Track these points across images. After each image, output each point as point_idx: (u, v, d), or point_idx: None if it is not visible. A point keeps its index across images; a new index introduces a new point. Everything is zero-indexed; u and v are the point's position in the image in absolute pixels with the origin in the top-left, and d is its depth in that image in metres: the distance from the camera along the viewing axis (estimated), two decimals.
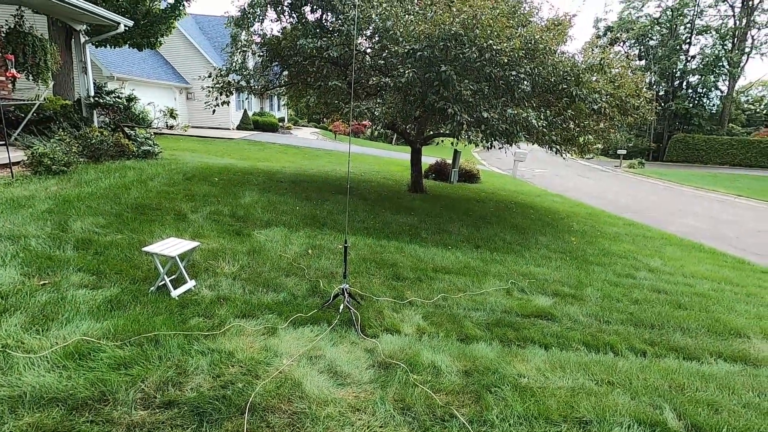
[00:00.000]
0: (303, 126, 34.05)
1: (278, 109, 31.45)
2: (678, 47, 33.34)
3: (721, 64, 32.04)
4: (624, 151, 27.43)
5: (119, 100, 9.70)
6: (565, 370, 2.94)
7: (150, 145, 9.77)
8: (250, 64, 8.05)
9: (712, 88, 33.69)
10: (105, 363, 2.28)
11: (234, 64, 7.81)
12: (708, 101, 34.10)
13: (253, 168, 10.53)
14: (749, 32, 31.89)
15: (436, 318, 3.53)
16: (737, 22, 32.01)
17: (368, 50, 6.95)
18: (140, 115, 10.50)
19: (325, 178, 10.98)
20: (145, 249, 3.36)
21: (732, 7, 32.55)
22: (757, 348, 3.92)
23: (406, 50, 5.36)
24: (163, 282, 3.37)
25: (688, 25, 34.22)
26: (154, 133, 11.02)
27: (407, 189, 10.82)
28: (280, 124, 27.52)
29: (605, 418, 2.41)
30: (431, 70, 5.25)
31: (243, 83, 7.75)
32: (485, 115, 5.30)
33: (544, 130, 5.53)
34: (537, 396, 2.54)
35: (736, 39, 32.15)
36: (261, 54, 8.05)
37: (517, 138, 5.64)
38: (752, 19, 31.29)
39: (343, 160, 17.27)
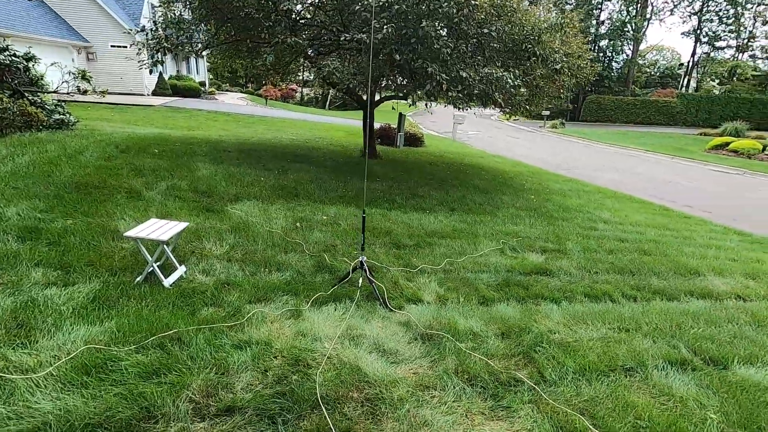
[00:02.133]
0: (227, 91, 31.46)
1: (197, 73, 28.60)
2: (590, 12, 35.50)
3: (626, 29, 34.82)
4: (548, 112, 29.16)
5: (16, 60, 8.07)
6: (586, 323, 3.08)
7: (62, 113, 8.36)
8: (187, 16, 7.01)
9: (620, 52, 36.73)
10: (131, 373, 1.91)
11: (168, 17, 6.73)
12: (616, 64, 37.19)
13: (191, 137, 9.54)
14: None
15: (450, 284, 3.50)
16: None
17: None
18: (40, 78, 8.82)
19: (273, 146, 10.31)
20: (128, 234, 2.85)
21: None
22: (714, 284, 4.44)
23: (380, 3, 4.99)
24: (151, 269, 2.91)
25: None
26: (61, 101, 9.40)
27: (360, 155, 10.55)
28: (202, 89, 25.12)
29: (643, 362, 2.57)
30: (407, 26, 4.96)
31: (184, 39, 6.75)
32: (463, 74, 5.18)
33: (515, 90, 5.55)
34: (578, 351, 2.63)
35: (638, 5, 35.01)
36: (192, 3, 6.98)
37: (493, 99, 5.63)
38: None
39: (282, 127, 16.37)
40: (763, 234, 7.65)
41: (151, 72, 6.82)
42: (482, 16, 5.21)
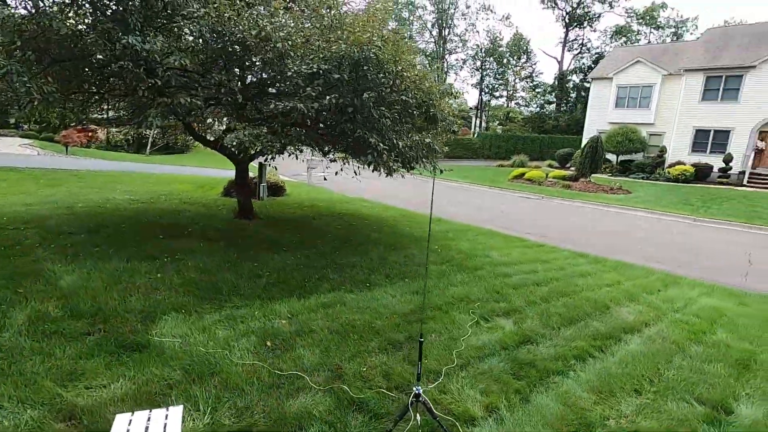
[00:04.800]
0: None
1: None
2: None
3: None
4: None
5: None
6: (614, 393, 3.23)
7: None
8: None
9: None
10: None
11: None
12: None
13: None
14: (446, 56, 42.27)
15: (481, 383, 3.23)
16: (438, 48, 41.92)
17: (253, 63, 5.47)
18: None
19: (119, 214, 8.25)
20: None
21: (431, 34, 42.21)
22: (623, 316, 5.32)
23: (312, 70, 4.51)
24: None
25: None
26: None
27: (234, 215, 9.33)
28: None
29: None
30: (344, 96, 4.62)
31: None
32: (400, 143, 5.09)
33: (439, 151, 5.76)
34: None
35: (441, 60, 42.04)
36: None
37: (419, 162, 5.68)
38: (446, 46, 41.50)
39: (105, 183, 13.29)
40: (589, 252, 9.70)
41: None
42: (410, 85, 5.26)
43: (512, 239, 10.53)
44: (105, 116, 9.51)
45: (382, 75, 4.71)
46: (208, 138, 8.33)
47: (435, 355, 3.59)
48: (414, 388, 2.59)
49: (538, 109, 44.38)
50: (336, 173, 7.74)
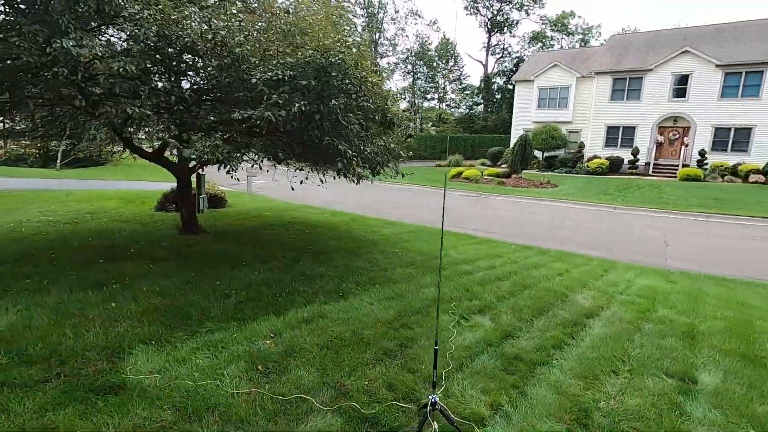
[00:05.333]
0: None
1: None
2: None
3: None
4: None
5: None
6: (597, 377, 3.47)
7: None
8: None
9: None
10: None
11: None
12: None
13: None
14: (378, 60, 42.84)
15: (482, 384, 3.29)
16: (370, 51, 42.31)
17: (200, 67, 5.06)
18: None
19: (44, 237, 7.35)
20: None
21: (362, 37, 42.49)
22: (581, 302, 5.74)
23: (278, 77, 4.32)
24: None
25: None
26: None
27: (177, 230, 8.70)
28: None
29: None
30: (313, 102, 4.49)
31: None
32: (368, 149, 5.05)
33: (404, 155, 5.81)
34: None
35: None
36: None
37: (384, 167, 5.68)
38: (378, 50, 41.92)
39: (13, 204, 11.69)
40: (533, 244, 10.35)
41: None
42: (368, 89, 5.24)
43: (463, 237, 10.92)
44: (8, 127, 8.36)
45: (348, 81, 4.65)
46: (146, 149, 7.67)
47: (431, 359, 3.60)
48: (430, 397, 2.58)
49: (467, 110, 46.54)
50: (289, 181, 7.49)
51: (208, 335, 3.79)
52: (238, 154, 4.94)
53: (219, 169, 4.73)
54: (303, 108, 4.18)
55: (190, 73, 5.26)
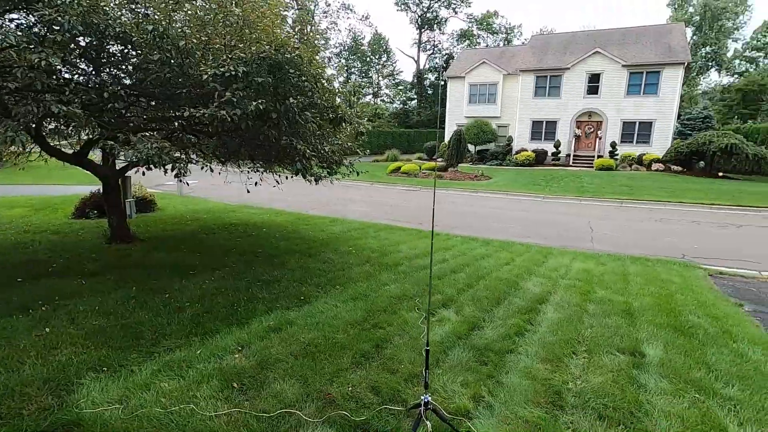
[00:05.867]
0: None
1: None
2: None
3: None
4: None
5: None
6: (560, 359, 3.72)
7: None
8: None
9: None
10: None
11: None
12: None
13: None
14: None
15: (461, 378, 3.38)
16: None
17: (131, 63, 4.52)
18: None
19: None
20: None
21: (293, 30, 41.37)
22: (531, 289, 6.11)
23: (231, 73, 4.04)
24: None
25: None
26: None
27: (106, 240, 7.91)
28: None
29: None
30: (268, 101, 4.27)
31: None
32: (326, 148, 4.93)
33: (361, 152, 5.76)
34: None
35: None
36: None
37: (341, 165, 5.57)
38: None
39: None
40: (476, 235, 10.84)
41: None
42: (322, 86, 5.12)
43: (410, 231, 11.10)
44: None
45: (304, 78, 4.49)
46: (65, 151, 6.83)
47: (409, 358, 3.63)
48: (422, 397, 2.60)
49: (401, 105, 47.27)
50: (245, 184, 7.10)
51: (168, 355, 3.48)
52: (184, 156, 4.57)
53: (166, 172, 4.35)
54: (261, 107, 3.96)
55: (124, 66, 4.76)
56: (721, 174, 22.74)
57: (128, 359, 3.39)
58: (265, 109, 4.20)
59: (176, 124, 4.64)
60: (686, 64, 25.12)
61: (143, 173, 4.46)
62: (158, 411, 2.67)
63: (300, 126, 4.58)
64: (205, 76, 3.91)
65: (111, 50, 4.85)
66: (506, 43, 47.00)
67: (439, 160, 29.68)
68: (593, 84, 26.57)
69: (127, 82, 4.62)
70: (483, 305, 5.15)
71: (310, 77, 4.60)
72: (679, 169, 24.11)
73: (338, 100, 6.28)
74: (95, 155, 8.04)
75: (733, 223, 12.98)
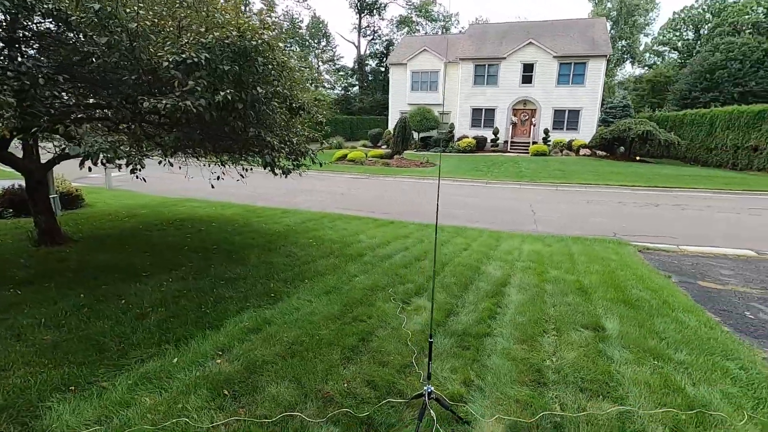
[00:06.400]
0: None
1: None
2: None
3: None
4: None
5: None
6: (535, 339, 3.97)
7: None
8: None
9: None
10: None
11: None
12: None
13: None
14: None
15: (449, 364, 3.49)
16: None
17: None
18: None
19: None
20: None
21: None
22: (492, 273, 6.41)
23: (193, 60, 3.73)
24: None
25: None
26: None
27: (34, 242, 7.10)
28: None
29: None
30: (235, 90, 4.02)
31: None
32: (294, 140, 4.76)
33: (326, 143, 5.63)
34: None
35: None
36: None
37: (306, 156, 5.40)
38: None
39: None
40: (429, 221, 11.13)
41: None
42: (287, 74, 4.93)
43: (366, 220, 11.11)
44: None
45: (271, 67, 4.27)
46: None
47: (396, 348, 3.68)
48: (425, 388, 2.66)
49: (343, 91, 46.60)
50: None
51: (141, 366, 3.23)
52: (135, 151, 4.20)
53: (120, 168, 3.95)
54: (229, 96, 3.72)
55: (57, 50, 4.23)
56: (638, 158, 25.17)
57: (96, 375, 3.10)
58: (231, 99, 3.96)
59: (128, 114, 4.22)
60: (608, 56, 27.25)
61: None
62: (148, 428, 2.49)
63: (267, 116, 4.37)
64: (165, 63, 3.58)
65: (40, 29, 4.29)
66: (444, 31, 47.88)
67: (384, 147, 29.83)
68: (527, 73, 27.98)
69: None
70: (453, 291, 5.33)
71: (276, 65, 4.39)
72: (604, 153, 26.31)
73: (297, 88, 6.07)
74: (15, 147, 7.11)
75: (651, 203, 14.47)
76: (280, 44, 5.07)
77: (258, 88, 4.07)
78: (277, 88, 4.59)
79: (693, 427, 2.72)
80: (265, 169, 4.66)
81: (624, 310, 4.79)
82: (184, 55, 3.65)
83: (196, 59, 3.73)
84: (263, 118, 4.35)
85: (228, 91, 3.75)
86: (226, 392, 2.91)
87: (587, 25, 29.34)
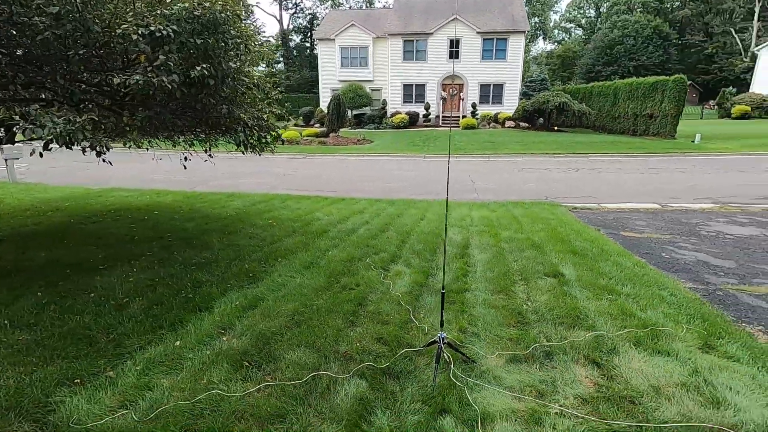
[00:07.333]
0: None
1: None
2: None
3: None
4: None
5: None
6: (509, 294, 4.45)
7: None
8: None
9: None
10: None
11: None
12: None
13: None
14: None
15: (443, 317, 3.81)
16: None
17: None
18: None
19: None
20: None
21: None
22: (454, 237, 6.88)
23: (161, 33, 3.51)
24: None
25: None
26: None
27: None
28: None
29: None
30: (204, 65, 3.86)
31: None
32: (264, 117, 4.68)
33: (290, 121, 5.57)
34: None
35: None
36: None
37: (270, 134, 5.31)
38: None
39: None
40: (379, 197, 11.44)
41: None
42: (251, 49, 4.80)
43: (316, 199, 11.09)
44: None
45: (239, 40, 4.14)
46: None
47: (392, 309, 3.92)
48: (438, 334, 2.95)
49: (266, 68, 44.44)
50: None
51: (143, 353, 3.15)
52: (101, 133, 3.91)
53: (84, 152, 3.65)
54: (205, 71, 3.59)
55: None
56: (556, 128, 27.43)
57: (96, 366, 2.98)
58: (207, 74, 3.82)
59: (77, 92, 3.87)
60: (526, 32, 28.95)
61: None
62: (183, 404, 2.50)
63: (238, 93, 4.26)
64: (135, 36, 3.34)
65: None
66: (369, 5, 47.31)
67: (317, 126, 29.31)
68: (454, 49, 28.87)
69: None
70: (425, 256, 5.68)
71: (243, 39, 4.26)
72: (526, 125, 28.27)
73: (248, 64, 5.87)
74: None
75: (572, 168, 16.03)
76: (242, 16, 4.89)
77: (231, 63, 3.94)
78: (245, 64, 4.47)
79: (650, 340, 3.33)
80: (238, 147, 4.55)
81: (574, 258, 5.47)
82: (152, 28, 3.44)
83: (165, 32, 3.53)
84: (234, 95, 4.23)
85: (204, 66, 3.61)
86: (246, 363, 2.97)
87: (506, 2, 30.78)
